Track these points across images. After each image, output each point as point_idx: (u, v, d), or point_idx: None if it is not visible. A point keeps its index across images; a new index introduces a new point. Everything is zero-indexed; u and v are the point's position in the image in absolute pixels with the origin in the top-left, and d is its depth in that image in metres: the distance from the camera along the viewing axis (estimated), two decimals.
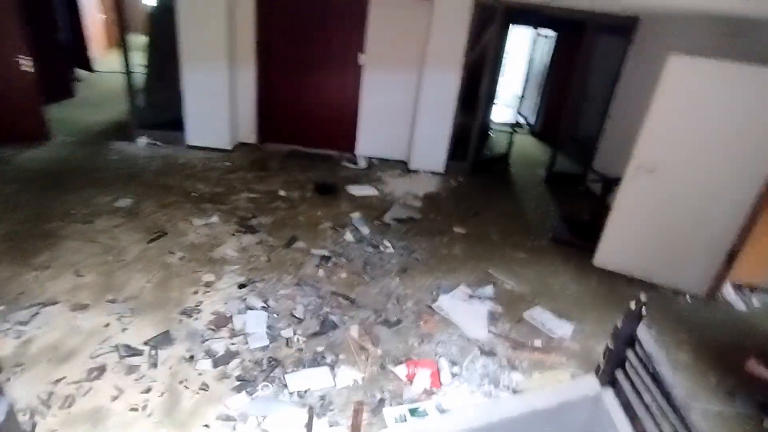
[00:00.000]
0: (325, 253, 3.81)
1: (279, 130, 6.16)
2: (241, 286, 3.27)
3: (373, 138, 6.08)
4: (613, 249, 4.06)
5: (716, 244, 3.67)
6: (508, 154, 6.82)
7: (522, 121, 9.19)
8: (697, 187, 3.60)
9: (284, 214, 4.41)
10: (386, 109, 5.91)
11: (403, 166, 6.05)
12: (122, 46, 5.51)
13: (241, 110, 5.97)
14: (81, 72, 8.83)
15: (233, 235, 3.94)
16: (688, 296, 3.82)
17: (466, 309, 3.36)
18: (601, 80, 5.92)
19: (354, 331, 2.98)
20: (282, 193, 4.83)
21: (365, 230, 4.23)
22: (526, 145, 7.90)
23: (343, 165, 5.88)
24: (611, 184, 4.44)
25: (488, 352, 2.95)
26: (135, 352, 2.60)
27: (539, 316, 3.38)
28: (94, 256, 3.42)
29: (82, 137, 5.82)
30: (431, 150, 5.82)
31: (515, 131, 7.01)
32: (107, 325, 2.78)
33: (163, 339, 2.70)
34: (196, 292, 3.16)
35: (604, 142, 5.86)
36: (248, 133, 6.13)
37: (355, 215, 4.51)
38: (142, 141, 5.74)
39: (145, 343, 2.66)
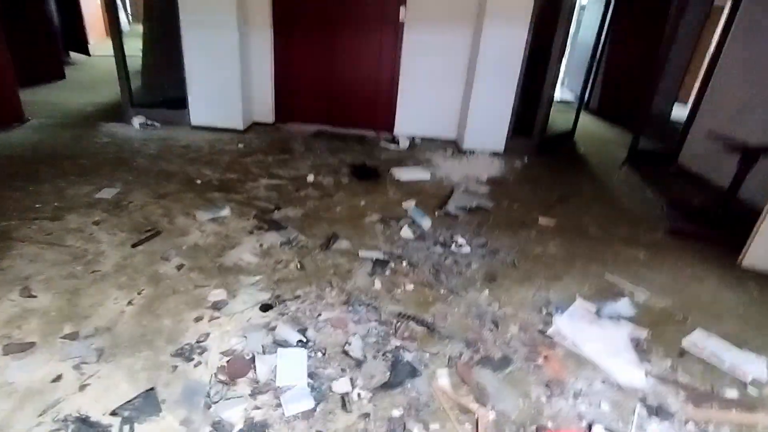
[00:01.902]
0: (380, 255, 2.74)
1: (301, 106, 5.11)
2: (266, 307, 2.22)
3: (415, 113, 4.99)
4: None
5: None
6: (573, 132, 5.68)
7: (569, 96, 8.04)
8: None
9: (317, 205, 3.35)
10: (432, 77, 4.81)
11: (452, 146, 4.95)
12: (112, 11, 4.49)
13: (255, 82, 4.92)
14: (76, 56, 7.91)
15: (251, 233, 2.89)
16: None
17: (597, 335, 2.26)
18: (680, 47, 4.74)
19: (444, 378, 1.90)
20: (311, 178, 3.77)
21: (426, 223, 3.15)
22: (582, 122, 6.73)
23: (381, 146, 4.81)
24: (755, 155, 3.29)
25: (658, 410, 1.85)
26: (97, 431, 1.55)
27: (706, 344, 2.27)
28: (56, 266, 2.40)
29: (67, 119, 4.83)
30: (490, 125, 4.71)
31: (573, 106, 5.86)
32: (58, 378, 1.74)
33: (145, 403, 1.65)
34: (199, 319, 2.11)
35: (702, 116, 4.67)
36: (264, 111, 5.09)
37: (409, 204, 3.43)
38: (138, 121, 4.73)
39: (114, 413, 1.61)
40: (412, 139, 5.00)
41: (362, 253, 2.74)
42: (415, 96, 4.90)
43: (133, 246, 2.64)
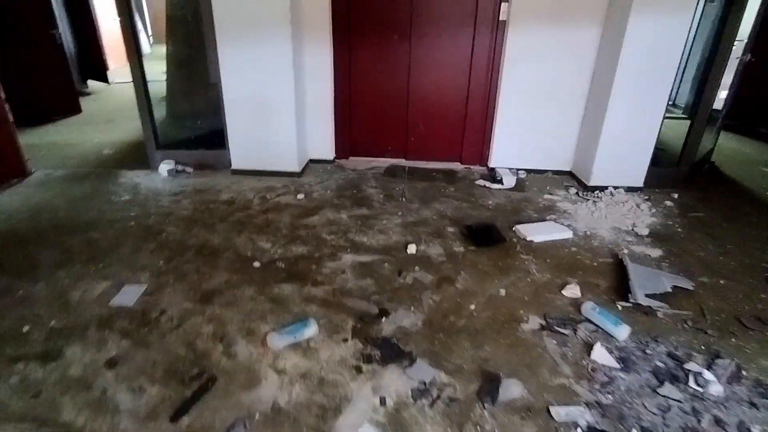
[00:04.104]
0: (587, 416, 1.58)
1: (368, 135, 4.02)
2: None
3: (518, 139, 3.84)
4: None
5: None
6: (711, 152, 4.43)
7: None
8: None
9: (439, 301, 2.21)
10: (543, 91, 3.65)
11: (572, 181, 3.77)
12: (129, 34, 3.48)
13: (310, 110, 3.85)
14: (94, 84, 7.05)
15: (358, 371, 1.78)
16: None
17: None
18: None
19: None
20: (412, 249, 2.65)
21: (622, 333, 1.97)
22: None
23: (478, 185, 3.66)
24: None
25: None
26: None
27: None
28: None
29: (80, 168, 3.85)
30: (627, 153, 3.51)
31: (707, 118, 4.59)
32: None
33: None
34: None
35: None
36: (323, 145, 4.01)
37: (573, 292, 2.27)
38: (166, 168, 3.71)
39: None
40: (516, 172, 3.84)
41: (557, 414, 1.59)
42: (519, 117, 3.75)
43: (173, 419, 1.55)
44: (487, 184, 3.65)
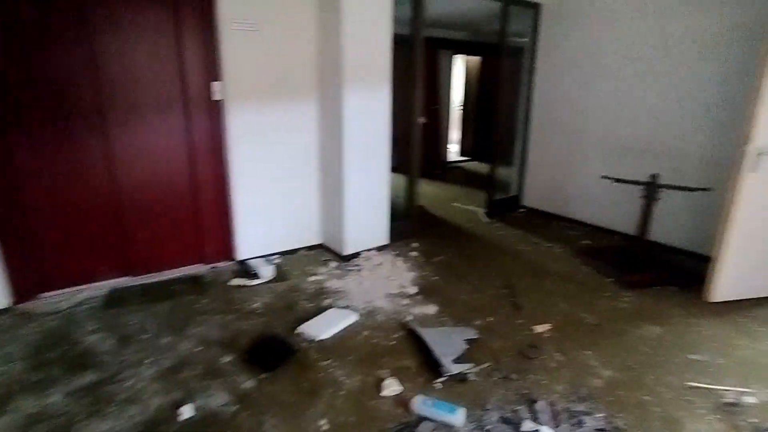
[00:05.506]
0: None
1: (64, 258, 2.90)
2: None
3: (263, 224, 3.49)
4: (735, 274, 2.91)
5: None
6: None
7: None
8: None
9: None
10: (277, 170, 3.46)
11: (327, 254, 3.67)
12: None
13: None
14: None
15: None
16: None
17: None
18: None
19: None
20: (187, 411, 1.89)
21: (458, 419, 1.86)
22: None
23: (235, 285, 3.11)
24: (654, 190, 3.32)
25: None
26: None
27: None
28: None
29: None
30: (370, 216, 3.66)
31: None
32: None
33: None
34: None
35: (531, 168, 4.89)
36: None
37: (413, 398, 2.06)
38: None
39: None
40: (268, 259, 3.47)
41: None
42: (259, 199, 3.42)
43: None
44: (244, 282, 3.14)
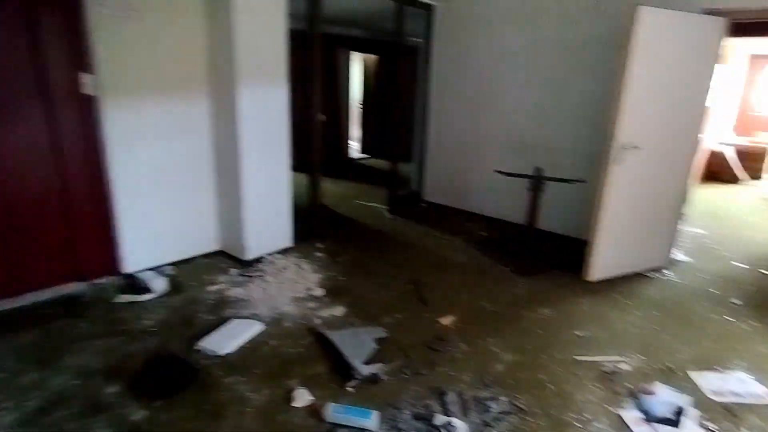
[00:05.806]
0: None
1: None
2: None
3: (153, 232, 3.16)
4: (608, 255, 3.28)
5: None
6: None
7: None
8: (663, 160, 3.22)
9: None
10: (167, 172, 3.15)
11: (224, 260, 3.44)
12: None
13: None
14: None
15: None
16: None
17: None
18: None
19: None
20: None
21: (373, 422, 1.84)
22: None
23: (121, 303, 2.78)
24: (540, 182, 3.62)
25: None
26: None
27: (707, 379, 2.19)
28: None
29: None
30: (272, 218, 3.50)
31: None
32: None
33: None
34: None
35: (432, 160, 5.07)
36: None
37: (324, 406, 1.98)
38: None
39: None
40: (161, 271, 3.16)
41: None
42: (146, 204, 3.09)
43: None
44: (133, 297, 2.82)
